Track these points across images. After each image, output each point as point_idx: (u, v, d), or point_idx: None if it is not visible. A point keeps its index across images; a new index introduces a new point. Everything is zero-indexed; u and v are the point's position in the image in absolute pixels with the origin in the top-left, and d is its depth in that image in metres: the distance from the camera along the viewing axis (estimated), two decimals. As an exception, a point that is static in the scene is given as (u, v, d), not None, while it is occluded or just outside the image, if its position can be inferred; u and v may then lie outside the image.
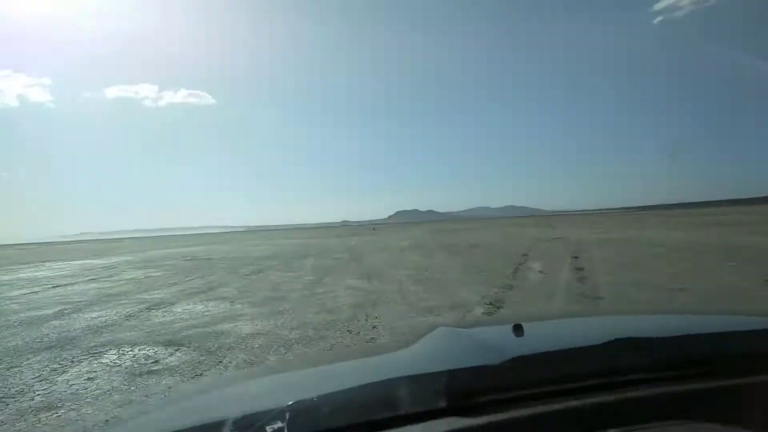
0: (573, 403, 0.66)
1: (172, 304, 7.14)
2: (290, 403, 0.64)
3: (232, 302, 7.09)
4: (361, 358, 1.14)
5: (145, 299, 7.74)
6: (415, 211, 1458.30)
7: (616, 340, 0.82)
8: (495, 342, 0.96)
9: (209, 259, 17.40)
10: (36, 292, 9.25)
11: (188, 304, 7.02)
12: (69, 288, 9.80)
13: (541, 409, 0.65)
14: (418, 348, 0.94)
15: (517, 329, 0.94)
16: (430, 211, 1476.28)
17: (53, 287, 10.02)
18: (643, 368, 0.74)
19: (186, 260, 17.20)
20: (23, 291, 9.58)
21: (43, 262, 20.06)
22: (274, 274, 10.81)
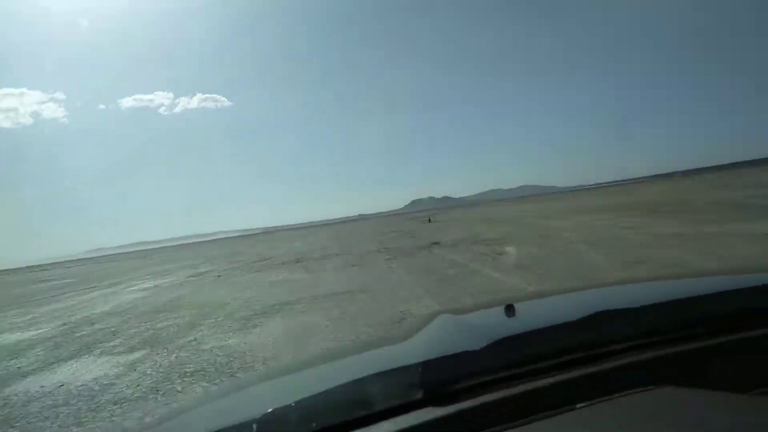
0: (546, 380, 0.67)
1: None
2: (263, 413, 0.64)
3: None
4: (357, 354, 1.12)
5: None
6: (431, 199, 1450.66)
7: (596, 313, 0.83)
8: (487, 325, 0.96)
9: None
10: None
11: None
12: None
13: (517, 389, 0.65)
14: (417, 338, 0.94)
15: (509, 310, 0.94)
16: (446, 198, 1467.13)
17: None
18: (619, 339, 0.74)
19: None
20: None
21: None
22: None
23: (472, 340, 0.77)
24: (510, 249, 11.24)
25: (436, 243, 15.13)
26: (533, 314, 1.07)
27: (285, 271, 12.83)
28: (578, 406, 0.62)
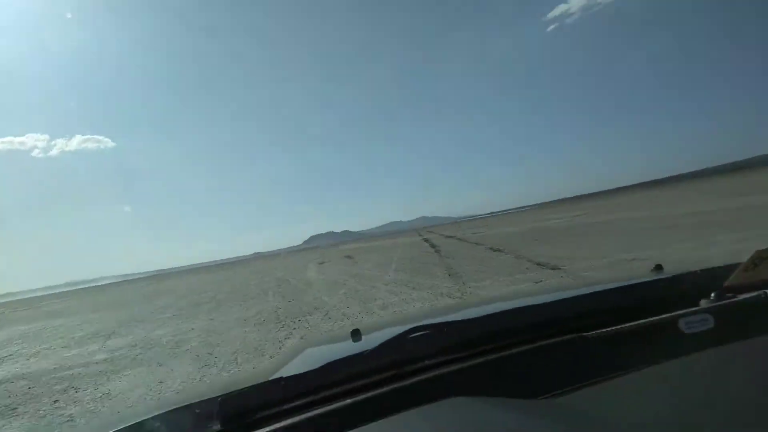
0: (347, 401, 0.72)
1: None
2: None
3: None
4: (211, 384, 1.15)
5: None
6: (331, 233, 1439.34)
7: (406, 331, 0.87)
8: (334, 352, 1.04)
9: None
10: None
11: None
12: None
13: (322, 410, 0.70)
14: (279, 370, 0.94)
15: (355, 335, 1.03)
16: (345, 232, 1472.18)
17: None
18: (427, 355, 0.83)
19: None
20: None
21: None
22: None
23: (304, 369, 0.83)
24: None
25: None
26: (374, 338, 1.09)
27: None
28: (381, 420, 0.65)
